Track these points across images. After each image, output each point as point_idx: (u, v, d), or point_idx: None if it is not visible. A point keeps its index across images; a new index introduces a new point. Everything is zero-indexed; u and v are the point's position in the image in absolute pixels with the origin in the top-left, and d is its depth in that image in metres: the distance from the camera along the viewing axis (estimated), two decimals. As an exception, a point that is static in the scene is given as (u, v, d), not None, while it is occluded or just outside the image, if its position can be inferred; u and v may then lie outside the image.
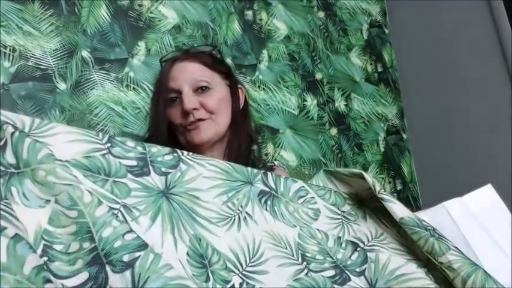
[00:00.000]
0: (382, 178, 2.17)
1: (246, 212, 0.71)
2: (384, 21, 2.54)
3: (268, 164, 1.19)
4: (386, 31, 2.53)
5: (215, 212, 0.68)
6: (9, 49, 1.38)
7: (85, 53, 1.52)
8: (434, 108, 2.25)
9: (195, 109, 1.03)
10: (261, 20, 2.01)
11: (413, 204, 2.25)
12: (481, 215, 0.84)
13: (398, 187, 2.22)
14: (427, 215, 0.83)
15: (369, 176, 0.79)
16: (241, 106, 1.17)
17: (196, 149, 1.05)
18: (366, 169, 2.12)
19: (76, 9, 1.54)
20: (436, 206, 0.84)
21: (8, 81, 1.36)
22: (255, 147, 1.19)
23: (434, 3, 2.25)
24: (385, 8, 2.58)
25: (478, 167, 1.97)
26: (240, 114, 1.12)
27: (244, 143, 1.11)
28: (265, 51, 1.98)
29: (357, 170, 0.80)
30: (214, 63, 1.12)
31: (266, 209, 0.73)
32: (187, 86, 1.05)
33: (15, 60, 1.38)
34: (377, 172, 2.16)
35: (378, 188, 0.76)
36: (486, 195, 0.89)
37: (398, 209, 0.74)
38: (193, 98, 1.04)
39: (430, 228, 0.74)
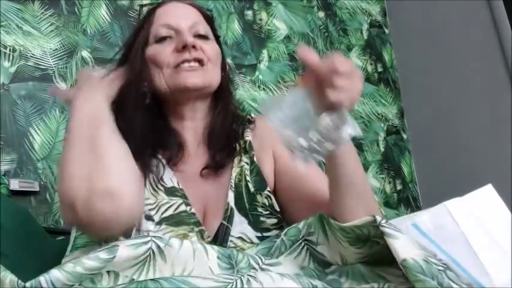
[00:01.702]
0: (382, 178, 2.17)
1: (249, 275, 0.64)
2: (384, 21, 2.54)
3: (246, 117, 1.02)
4: (387, 31, 2.53)
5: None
6: (9, 49, 1.38)
7: (85, 53, 1.52)
8: (434, 108, 2.25)
9: (194, 47, 0.87)
10: (261, 20, 2.01)
11: (413, 204, 2.25)
12: (481, 215, 0.84)
13: (398, 187, 2.22)
14: (427, 215, 0.83)
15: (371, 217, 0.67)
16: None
17: (181, 97, 0.90)
18: (366, 169, 2.12)
19: (76, 9, 1.54)
20: (436, 206, 0.84)
21: (8, 81, 1.36)
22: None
23: (435, 3, 2.25)
24: (385, 8, 2.57)
25: (478, 166, 1.97)
26: (226, 86, 0.98)
27: (229, 118, 0.95)
28: (265, 51, 1.98)
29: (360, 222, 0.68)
30: (211, 21, 0.99)
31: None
32: (186, 26, 0.89)
33: (15, 60, 1.38)
34: (377, 172, 2.16)
35: (379, 219, 0.65)
36: (486, 195, 0.89)
37: (401, 247, 0.61)
38: (194, 39, 0.89)
39: (441, 269, 0.61)
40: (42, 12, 1.47)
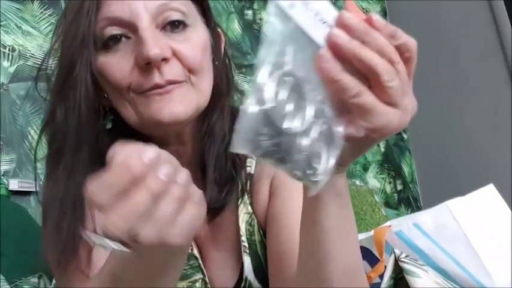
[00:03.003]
0: (383, 178, 2.16)
1: None
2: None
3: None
4: (387, 31, 2.52)
5: None
6: (9, 49, 1.38)
7: (85, 53, 1.52)
8: (435, 108, 2.24)
9: (164, 59, 0.55)
10: (261, 19, 2.01)
11: (413, 204, 2.24)
12: (483, 215, 0.84)
13: (399, 187, 2.21)
14: (429, 214, 0.83)
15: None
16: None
17: (158, 131, 0.59)
18: (366, 169, 2.12)
19: (75, 9, 1.54)
20: (438, 206, 0.83)
21: (7, 81, 1.35)
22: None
23: (435, 3, 2.25)
24: (385, 7, 2.57)
25: (478, 166, 1.96)
26: (225, 77, 0.67)
27: (227, 125, 0.64)
28: (265, 51, 1.97)
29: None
30: None
31: None
32: (147, 15, 0.55)
33: (15, 60, 1.38)
34: (377, 172, 2.15)
35: (398, 252, 0.58)
36: (488, 195, 0.89)
37: (422, 284, 0.54)
38: (162, 39, 0.55)
39: None
40: (41, 12, 1.46)
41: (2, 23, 1.38)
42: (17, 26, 1.41)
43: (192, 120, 0.60)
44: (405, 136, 2.36)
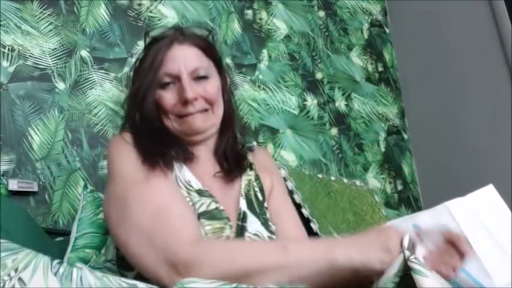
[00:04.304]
0: (383, 178, 2.16)
1: None
2: (384, 20, 2.54)
3: (247, 145, 1.13)
4: (387, 30, 2.52)
5: None
6: (8, 48, 1.37)
7: (84, 53, 1.51)
8: (435, 108, 2.24)
9: (195, 99, 0.94)
10: (261, 19, 2.01)
11: (414, 204, 2.24)
12: (482, 215, 0.84)
13: (399, 187, 2.21)
14: (428, 215, 0.82)
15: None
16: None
17: (190, 138, 0.99)
18: (366, 169, 2.12)
19: (75, 9, 1.54)
20: (437, 206, 0.83)
21: (6, 81, 1.35)
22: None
23: (435, 2, 2.25)
24: (385, 7, 2.57)
25: (479, 166, 1.96)
26: (230, 107, 1.06)
27: (233, 138, 1.06)
28: (265, 51, 1.97)
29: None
30: (210, 49, 1.04)
31: None
32: (186, 73, 0.95)
33: (14, 60, 1.38)
34: (378, 172, 2.15)
35: (407, 253, 0.64)
36: (488, 195, 0.89)
37: (429, 284, 0.60)
38: (194, 86, 0.95)
39: None
40: (41, 12, 1.46)
41: (1, 23, 1.38)
42: (16, 25, 1.40)
43: (213, 133, 1.01)
44: (405, 136, 2.36)
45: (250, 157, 1.08)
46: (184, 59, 0.97)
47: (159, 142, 0.94)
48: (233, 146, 1.05)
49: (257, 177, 1.05)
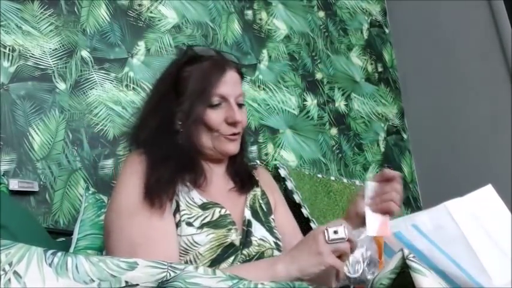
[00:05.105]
0: (383, 178, 2.16)
1: None
2: (384, 20, 2.54)
3: (251, 163, 1.23)
4: (387, 31, 2.53)
5: None
6: (9, 49, 1.38)
7: (84, 53, 1.52)
8: (435, 108, 2.24)
9: (239, 122, 1.05)
10: (261, 19, 2.01)
11: (413, 204, 2.24)
12: (481, 215, 0.84)
13: (399, 187, 2.21)
14: (427, 215, 0.83)
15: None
16: None
17: (216, 156, 1.09)
18: (366, 169, 2.12)
19: (75, 9, 1.54)
20: (436, 206, 0.83)
21: (7, 81, 1.35)
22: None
23: (435, 3, 2.25)
24: (385, 7, 2.57)
25: (478, 167, 1.97)
26: (244, 131, 1.17)
27: (242, 156, 1.17)
28: (265, 51, 1.98)
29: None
30: (242, 78, 1.18)
31: None
32: (233, 96, 1.07)
33: (15, 60, 1.38)
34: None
35: (406, 252, 0.64)
36: (486, 195, 0.89)
37: (428, 283, 0.61)
38: (239, 111, 1.06)
39: None
40: (41, 12, 1.46)
41: (2, 23, 1.38)
42: (17, 26, 1.41)
43: None
44: (405, 136, 2.36)
45: (255, 174, 1.18)
46: (233, 84, 1.09)
47: (176, 165, 0.99)
48: (243, 163, 1.16)
49: (263, 193, 1.15)
